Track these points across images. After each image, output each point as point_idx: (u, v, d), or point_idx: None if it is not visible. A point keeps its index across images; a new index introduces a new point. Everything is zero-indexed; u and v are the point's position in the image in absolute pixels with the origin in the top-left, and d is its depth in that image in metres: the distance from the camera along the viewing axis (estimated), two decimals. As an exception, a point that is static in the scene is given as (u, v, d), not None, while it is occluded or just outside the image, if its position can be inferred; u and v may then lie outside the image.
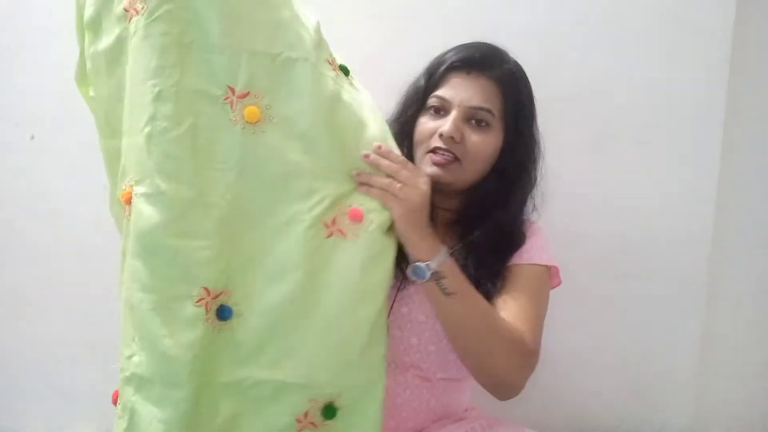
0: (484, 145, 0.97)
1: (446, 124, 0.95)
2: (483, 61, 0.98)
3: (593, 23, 1.25)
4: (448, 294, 0.88)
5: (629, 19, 1.25)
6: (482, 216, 0.99)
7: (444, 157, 0.97)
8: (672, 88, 1.27)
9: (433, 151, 0.97)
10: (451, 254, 0.92)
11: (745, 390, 1.45)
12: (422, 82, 1.01)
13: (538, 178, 1.05)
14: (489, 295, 0.95)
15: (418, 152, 1.00)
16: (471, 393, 1.13)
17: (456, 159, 0.97)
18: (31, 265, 1.38)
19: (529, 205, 1.06)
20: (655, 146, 1.29)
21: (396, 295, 0.97)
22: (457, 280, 0.89)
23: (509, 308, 0.94)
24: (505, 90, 0.98)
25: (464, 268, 0.94)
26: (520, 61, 1.25)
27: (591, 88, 1.27)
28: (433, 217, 0.97)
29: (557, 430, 1.40)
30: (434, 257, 0.87)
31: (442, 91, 0.98)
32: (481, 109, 0.97)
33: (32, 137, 1.33)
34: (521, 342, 0.90)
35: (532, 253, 1.01)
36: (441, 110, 0.98)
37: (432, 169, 0.97)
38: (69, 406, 1.43)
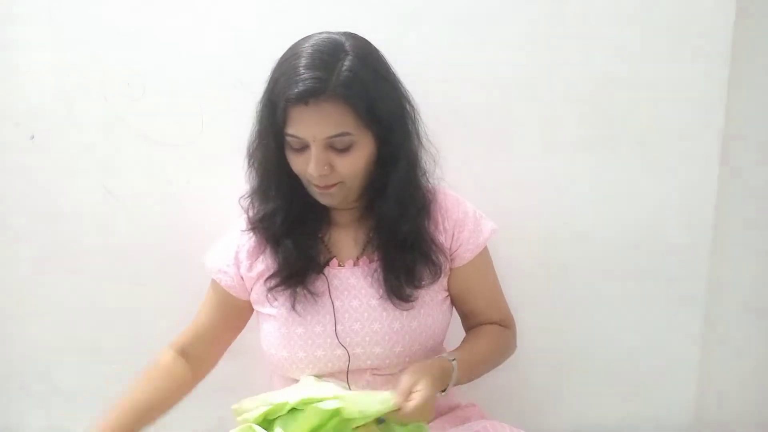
0: (355, 161, 0.95)
1: (311, 165, 0.93)
2: (316, 85, 0.89)
3: (593, 23, 1.25)
4: (464, 383, 1.00)
5: (629, 19, 1.25)
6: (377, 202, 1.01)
7: (326, 188, 0.96)
8: (672, 88, 1.26)
9: (315, 184, 0.97)
10: (366, 250, 1.04)
11: (745, 390, 1.45)
12: (267, 116, 0.95)
13: (421, 143, 1.02)
14: (434, 262, 1.03)
15: (302, 180, 0.99)
16: (468, 390, 1.13)
17: (337, 182, 0.96)
18: (31, 265, 1.38)
19: (420, 172, 1.02)
20: (655, 146, 1.29)
21: (337, 315, 1.02)
22: (465, 373, 0.99)
23: (484, 300, 1.10)
24: (351, 101, 0.90)
25: (391, 248, 1.01)
26: (520, 63, 1.26)
27: (591, 88, 1.27)
28: (338, 222, 1.06)
29: (557, 430, 1.40)
30: (449, 383, 0.96)
31: (292, 129, 0.92)
32: (336, 136, 0.91)
33: (32, 137, 1.33)
34: (513, 333, 1.13)
35: (470, 244, 1.06)
36: (300, 146, 0.94)
37: (323, 200, 0.99)
38: (69, 406, 1.43)
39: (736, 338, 1.41)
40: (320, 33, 0.96)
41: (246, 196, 1.06)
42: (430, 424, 1.04)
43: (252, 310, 1.11)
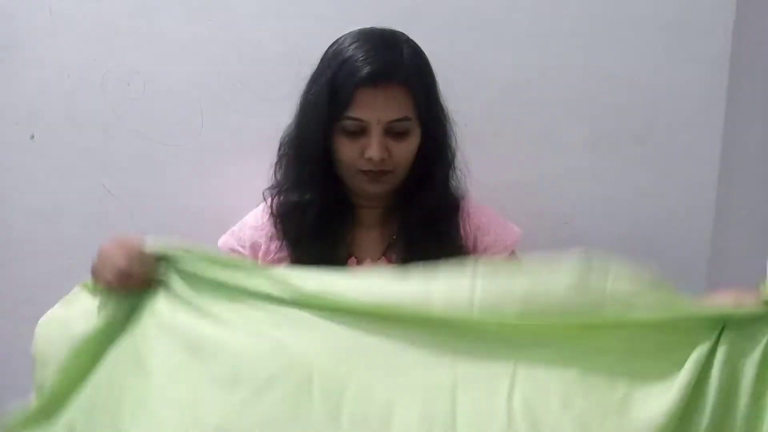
0: (409, 150, 0.97)
1: (372, 149, 0.93)
2: (388, 67, 0.92)
3: (593, 23, 1.25)
4: None
5: (629, 19, 1.25)
6: (412, 200, 1.02)
7: (377, 175, 0.97)
8: (672, 88, 1.26)
9: (365, 172, 0.97)
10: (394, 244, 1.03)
11: (745, 390, 1.45)
12: (325, 100, 0.93)
13: (456, 143, 1.05)
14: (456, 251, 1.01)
15: (346, 170, 0.98)
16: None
17: (389, 171, 0.98)
18: (31, 265, 1.38)
19: (453, 173, 1.06)
20: (655, 146, 1.29)
21: None
22: None
23: None
24: (414, 87, 0.95)
25: (416, 249, 1.00)
26: (520, 63, 1.26)
27: (591, 88, 1.27)
28: (363, 223, 1.04)
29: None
30: None
31: (354, 112, 0.92)
32: (399, 120, 0.94)
33: (32, 137, 1.33)
34: None
35: (497, 246, 1.07)
36: (357, 130, 0.95)
37: (371, 188, 0.99)
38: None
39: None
40: (365, 28, 0.99)
41: (273, 187, 1.05)
42: None
43: None
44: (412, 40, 0.99)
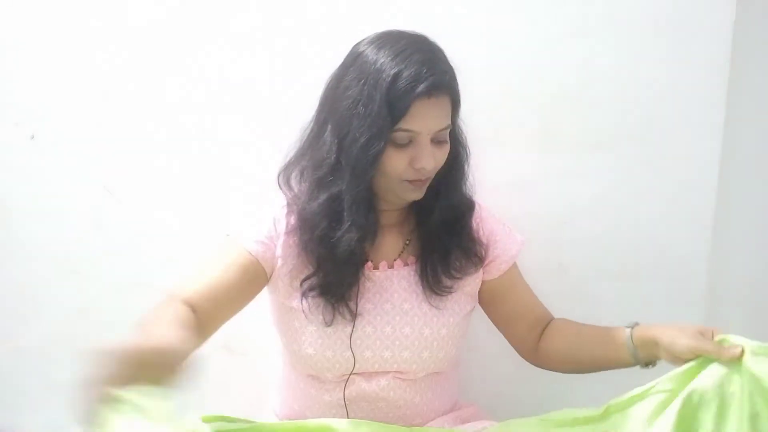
0: (446, 154, 0.99)
1: (425, 159, 0.93)
2: (441, 79, 0.92)
3: (593, 23, 1.25)
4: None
5: (629, 19, 1.25)
6: (429, 201, 1.02)
7: (423, 183, 0.98)
8: (672, 88, 1.26)
9: (411, 181, 0.97)
10: (409, 243, 1.06)
11: (746, 390, 1.45)
12: (383, 114, 0.91)
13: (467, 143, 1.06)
14: (469, 257, 1.05)
15: (389, 181, 0.97)
16: (468, 390, 1.13)
17: (429, 177, 0.99)
18: (31, 265, 1.38)
19: (467, 173, 1.07)
20: (655, 146, 1.29)
21: (368, 317, 1.01)
22: None
23: (530, 298, 1.13)
24: (453, 94, 0.96)
25: (433, 250, 1.03)
26: (520, 62, 1.26)
27: (591, 88, 1.27)
28: (382, 225, 1.03)
29: (557, 430, 1.40)
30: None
31: (408, 124, 0.92)
32: (444, 129, 0.96)
33: (32, 137, 1.33)
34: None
35: (506, 255, 1.09)
36: (407, 142, 0.94)
37: (413, 195, 0.99)
38: (69, 406, 1.43)
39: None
40: (393, 31, 0.97)
41: (296, 196, 1.01)
42: (429, 423, 1.04)
43: (266, 281, 1.04)
44: (440, 48, 0.98)
